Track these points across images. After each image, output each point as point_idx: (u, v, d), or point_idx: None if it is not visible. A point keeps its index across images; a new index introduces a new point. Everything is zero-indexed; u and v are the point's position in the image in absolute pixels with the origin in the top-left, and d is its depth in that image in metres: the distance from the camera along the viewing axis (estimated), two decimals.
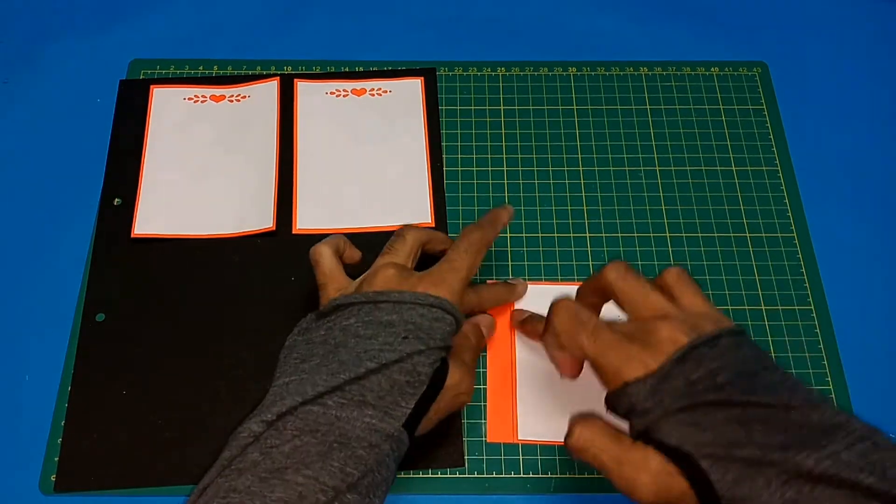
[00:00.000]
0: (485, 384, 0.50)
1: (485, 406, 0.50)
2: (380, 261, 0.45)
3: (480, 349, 0.47)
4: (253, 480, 0.34)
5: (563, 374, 0.41)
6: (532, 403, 0.49)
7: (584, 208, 0.57)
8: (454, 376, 0.41)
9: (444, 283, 0.43)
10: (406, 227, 0.47)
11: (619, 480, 0.35)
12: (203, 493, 0.35)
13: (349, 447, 0.36)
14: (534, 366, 0.50)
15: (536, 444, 0.48)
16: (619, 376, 0.36)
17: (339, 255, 0.47)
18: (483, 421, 0.49)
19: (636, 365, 0.35)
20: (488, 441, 0.49)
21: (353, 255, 0.48)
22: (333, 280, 0.45)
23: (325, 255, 0.45)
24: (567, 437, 0.37)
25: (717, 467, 0.32)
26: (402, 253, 0.45)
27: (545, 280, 0.54)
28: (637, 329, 0.37)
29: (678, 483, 0.33)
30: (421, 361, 0.39)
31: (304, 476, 0.35)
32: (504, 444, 0.48)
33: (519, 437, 0.48)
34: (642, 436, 0.35)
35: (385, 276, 0.43)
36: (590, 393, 0.44)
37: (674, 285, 0.40)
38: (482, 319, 0.50)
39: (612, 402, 0.37)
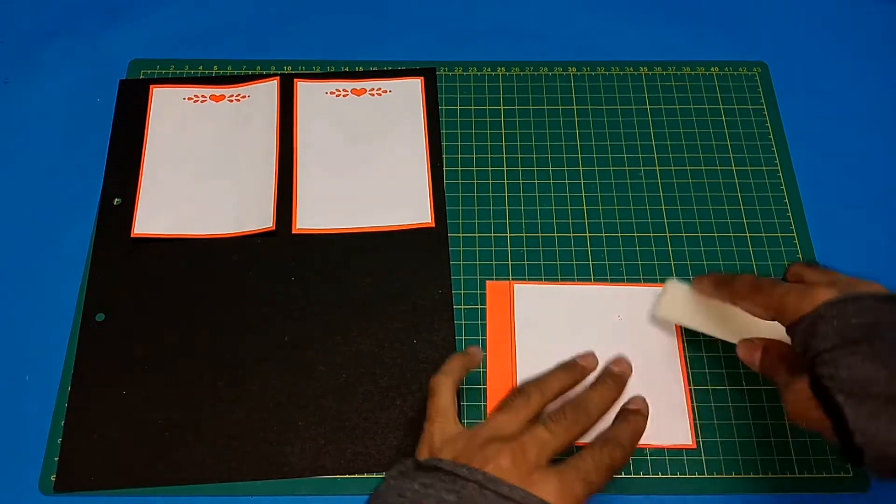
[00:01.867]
0: (485, 384, 0.50)
1: (485, 406, 0.50)
2: (502, 425, 0.40)
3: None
4: None
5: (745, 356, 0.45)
6: None
7: (584, 208, 0.57)
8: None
9: (572, 497, 0.37)
10: (533, 386, 0.42)
11: (784, 398, 0.40)
12: None
13: None
14: (537, 368, 0.50)
15: None
16: (797, 311, 0.39)
17: (460, 384, 0.44)
18: (482, 421, 0.49)
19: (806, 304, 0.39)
20: None
21: (476, 362, 0.46)
22: (444, 418, 0.41)
23: (443, 391, 0.43)
24: (751, 361, 0.44)
25: (853, 402, 0.35)
26: (524, 422, 0.40)
27: (545, 280, 0.54)
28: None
29: (819, 412, 0.37)
30: None
31: None
32: None
33: None
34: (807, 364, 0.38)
35: (503, 458, 0.37)
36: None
37: (811, 272, 0.44)
38: (470, 351, 0.47)
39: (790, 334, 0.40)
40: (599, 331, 0.52)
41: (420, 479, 0.37)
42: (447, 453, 0.39)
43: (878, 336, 0.36)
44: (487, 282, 0.54)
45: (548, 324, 0.52)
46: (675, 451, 0.48)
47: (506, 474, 0.36)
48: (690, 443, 0.48)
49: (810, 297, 0.39)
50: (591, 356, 0.45)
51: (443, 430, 0.41)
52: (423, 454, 0.40)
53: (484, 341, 0.52)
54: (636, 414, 0.42)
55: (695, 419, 0.49)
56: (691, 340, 0.51)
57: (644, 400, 0.43)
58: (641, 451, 0.48)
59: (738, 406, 0.50)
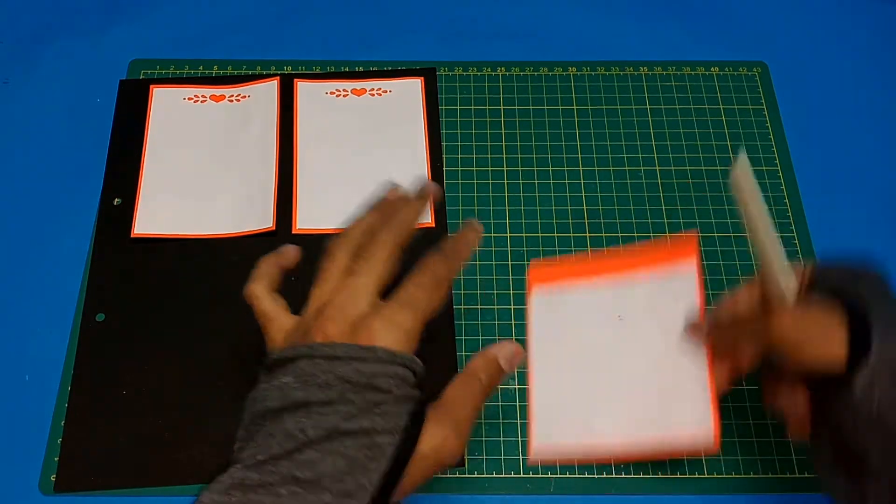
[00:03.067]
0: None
1: (486, 406, 0.50)
2: (321, 294, 0.39)
3: (491, 390, 0.38)
4: None
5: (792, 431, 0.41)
6: (551, 410, 0.46)
7: (584, 208, 0.57)
8: (435, 438, 0.34)
9: (397, 329, 0.36)
10: (333, 240, 0.41)
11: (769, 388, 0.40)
12: None
13: None
14: (552, 370, 0.47)
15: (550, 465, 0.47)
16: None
17: (276, 284, 0.42)
18: (482, 421, 0.49)
19: None
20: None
21: (289, 259, 0.43)
22: (274, 321, 0.40)
23: (258, 296, 0.41)
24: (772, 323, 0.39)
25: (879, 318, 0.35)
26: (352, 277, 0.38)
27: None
28: None
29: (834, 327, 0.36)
30: (379, 427, 0.33)
31: None
32: (506, 444, 0.48)
33: (532, 454, 0.45)
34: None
35: (327, 323, 0.36)
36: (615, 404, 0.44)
37: None
38: (501, 349, 0.39)
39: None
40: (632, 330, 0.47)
41: (263, 381, 0.36)
42: (287, 345, 0.37)
43: None
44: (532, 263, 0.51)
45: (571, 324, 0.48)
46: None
47: (333, 337, 0.35)
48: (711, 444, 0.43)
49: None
50: (395, 189, 0.43)
51: (279, 328, 0.39)
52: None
53: (492, 340, 0.52)
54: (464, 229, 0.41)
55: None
56: None
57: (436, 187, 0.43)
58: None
59: (738, 406, 0.50)
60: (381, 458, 0.32)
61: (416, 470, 0.34)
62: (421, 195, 0.42)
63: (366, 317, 0.36)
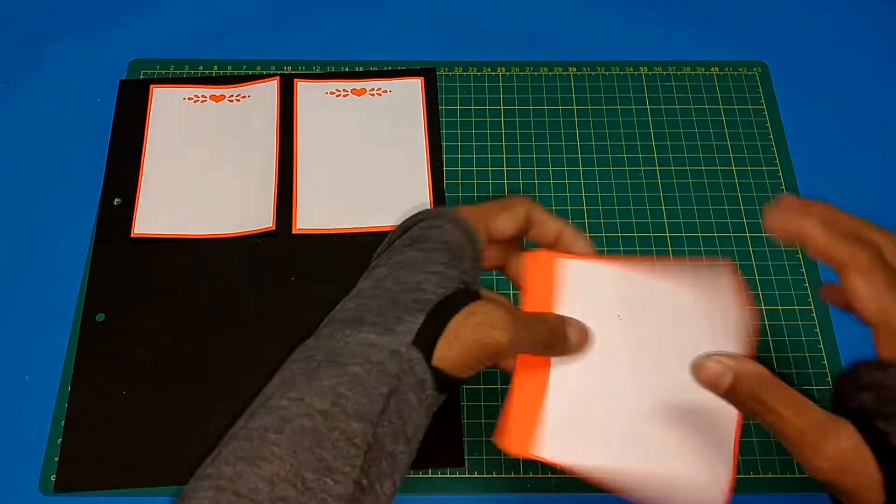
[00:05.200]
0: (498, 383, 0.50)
1: (486, 406, 0.50)
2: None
3: (543, 345, 0.36)
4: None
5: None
6: (566, 414, 0.37)
7: (584, 208, 0.57)
8: (482, 305, 0.33)
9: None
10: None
11: (798, 444, 0.29)
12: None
13: (340, 365, 0.31)
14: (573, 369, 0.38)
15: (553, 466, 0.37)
16: None
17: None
18: (482, 420, 0.49)
19: None
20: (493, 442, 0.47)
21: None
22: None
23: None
24: (714, 376, 0.30)
25: None
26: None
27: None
28: None
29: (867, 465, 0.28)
30: (428, 279, 0.34)
31: (289, 399, 0.30)
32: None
33: (535, 453, 0.36)
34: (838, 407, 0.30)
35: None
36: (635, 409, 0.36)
37: None
38: (573, 322, 0.37)
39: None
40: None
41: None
42: None
43: None
44: (526, 253, 0.40)
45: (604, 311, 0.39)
46: None
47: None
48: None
49: None
50: None
51: None
52: None
53: None
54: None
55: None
56: None
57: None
58: None
59: None
60: (427, 303, 0.33)
61: (463, 326, 0.32)
62: None
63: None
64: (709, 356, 0.30)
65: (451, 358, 0.32)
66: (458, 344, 0.32)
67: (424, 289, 0.34)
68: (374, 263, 0.38)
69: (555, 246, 0.40)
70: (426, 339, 0.32)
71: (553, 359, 0.38)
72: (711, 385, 0.30)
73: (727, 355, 0.30)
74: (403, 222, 0.39)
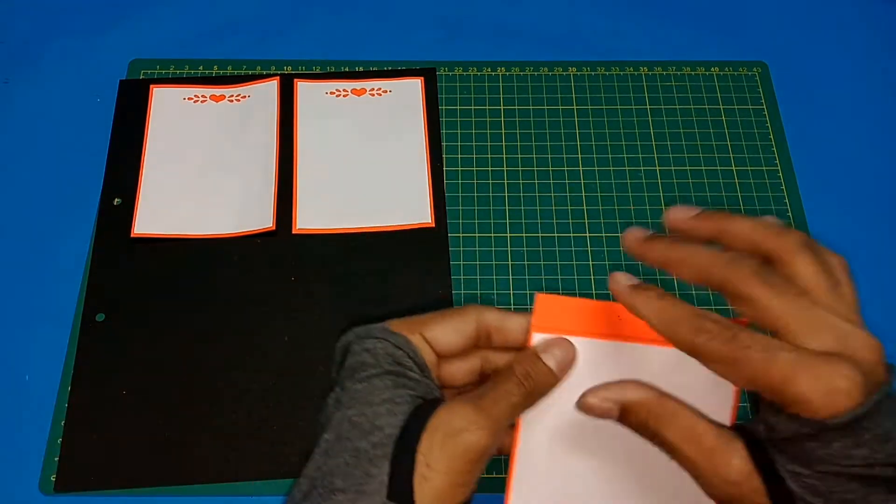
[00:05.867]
0: None
1: None
2: None
3: (532, 389, 0.32)
4: None
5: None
6: (535, 469, 0.35)
7: (584, 208, 0.57)
8: (440, 417, 0.31)
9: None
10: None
11: (691, 472, 0.29)
12: None
13: None
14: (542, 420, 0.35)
15: None
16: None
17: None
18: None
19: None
20: None
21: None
22: None
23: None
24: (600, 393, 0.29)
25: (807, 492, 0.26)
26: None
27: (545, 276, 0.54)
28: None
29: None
30: (378, 411, 0.31)
31: None
32: None
33: None
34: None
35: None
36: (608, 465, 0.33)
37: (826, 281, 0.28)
38: (547, 345, 0.33)
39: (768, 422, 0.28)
40: None
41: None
42: None
43: None
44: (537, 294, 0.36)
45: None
46: None
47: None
48: None
49: (827, 382, 0.25)
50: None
51: None
52: None
53: None
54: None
55: None
56: None
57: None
58: None
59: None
60: (387, 443, 0.31)
61: (434, 448, 0.30)
62: None
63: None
64: (590, 391, 0.30)
65: (433, 488, 0.30)
66: (435, 473, 0.30)
67: (380, 426, 0.31)
68: (330, 397, 0.34)
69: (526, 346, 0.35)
70: (400, 487, 0.29)
71: (519, 423, 0.34)
72: (600, 417, 0.30)
73: (611, 386, 0.30)
74: (337, 347, 0.36)
